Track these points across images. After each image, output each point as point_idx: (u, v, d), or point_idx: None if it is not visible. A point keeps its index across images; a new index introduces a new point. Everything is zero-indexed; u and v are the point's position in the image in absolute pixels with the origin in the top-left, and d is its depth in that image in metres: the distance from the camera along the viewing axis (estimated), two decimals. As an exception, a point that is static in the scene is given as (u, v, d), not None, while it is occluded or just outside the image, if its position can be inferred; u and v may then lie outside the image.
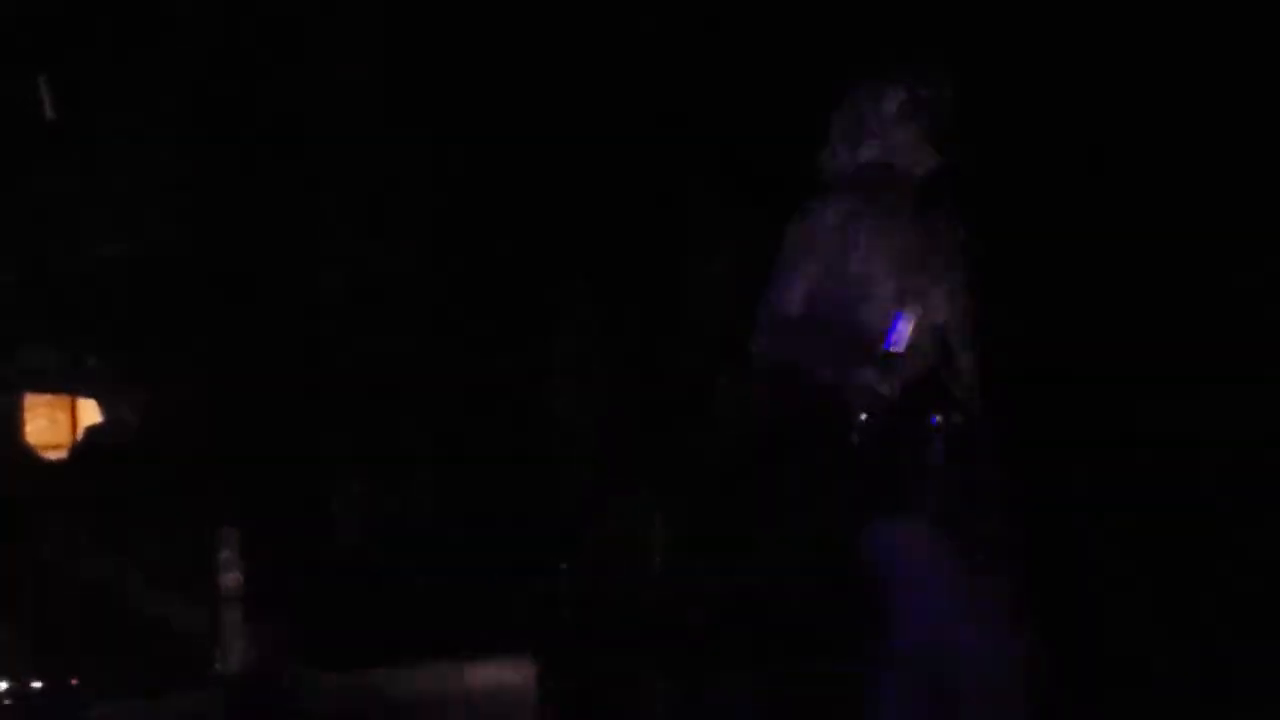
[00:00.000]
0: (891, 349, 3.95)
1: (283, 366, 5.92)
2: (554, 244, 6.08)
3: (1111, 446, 5.53)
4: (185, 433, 5.93)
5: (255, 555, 5.84)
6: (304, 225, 5.93)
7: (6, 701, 5.61)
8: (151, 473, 5.86)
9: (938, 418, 4.01)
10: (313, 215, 5.96)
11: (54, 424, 5.97)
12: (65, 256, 5.82)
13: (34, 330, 5.82)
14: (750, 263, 4.51)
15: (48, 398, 5.98)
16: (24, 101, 5.77)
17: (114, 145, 5.83)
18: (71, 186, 5.81)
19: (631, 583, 5.89)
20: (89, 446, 5.96)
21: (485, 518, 5.89)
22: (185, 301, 5.91)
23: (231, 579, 5.80)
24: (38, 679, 5.64)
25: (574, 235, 6.09)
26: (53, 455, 5.96)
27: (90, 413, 5.98)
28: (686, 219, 6.21)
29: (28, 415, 5.96)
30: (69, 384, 5.99)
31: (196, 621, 5.71)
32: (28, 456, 5.95)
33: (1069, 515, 5.46)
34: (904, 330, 3.98)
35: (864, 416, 3.94)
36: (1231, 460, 5.52)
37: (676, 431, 6.07)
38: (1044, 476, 4.94)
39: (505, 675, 5.38)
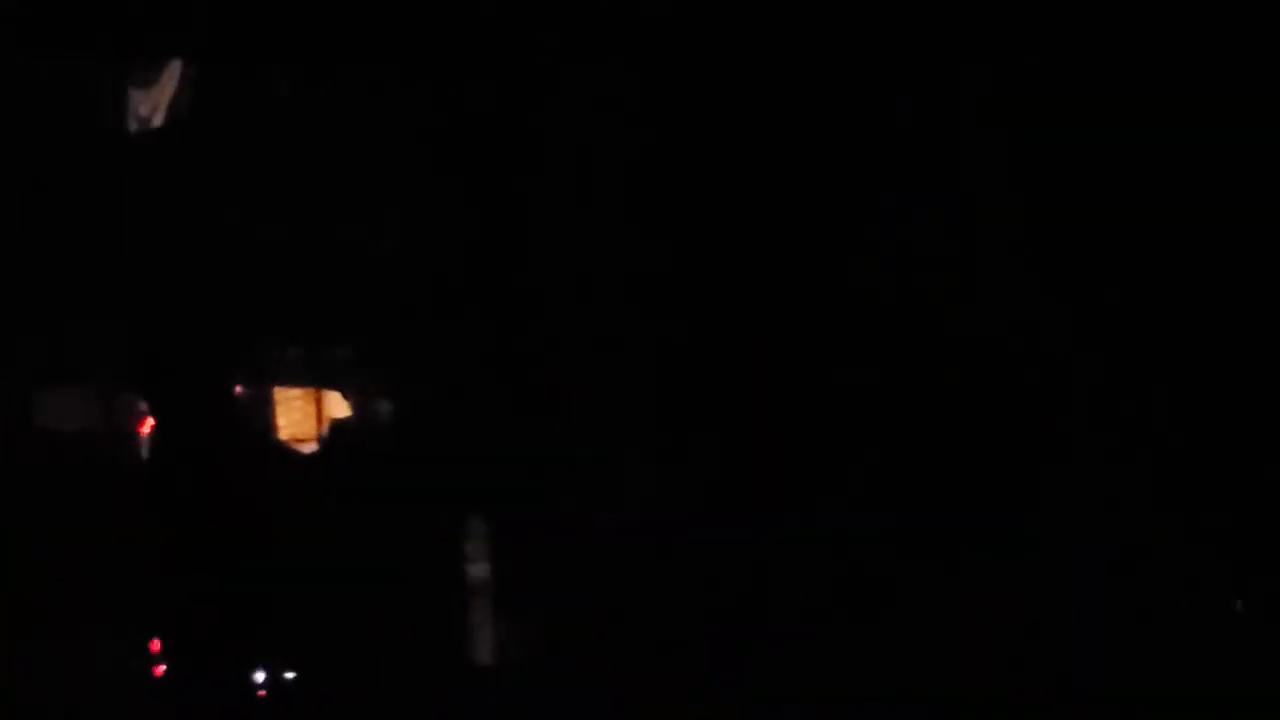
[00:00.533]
0: None
1: (530, 361, 5.90)
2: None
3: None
4: (433, 425, 5.93)
5: (505, 547, 5.86)
6: (553, 217, 5.90)
7: (263, 692, 5.68)
8: (399, 466, 5.89)
9: None
10: (562, 207, 5.93)
11: (303, 417, 6.00)
12: (314, 249, 5.84)
13: (283, 322, 5.87)
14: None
15: (296, 390, 6.02)
16: (274, 97, 5.84)
17: (367, 141, 5.85)
18: (322, 180, 5.84)
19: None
20: (337, 440, 6.00)
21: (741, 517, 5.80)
22: (434, 296, 5.91)
23: (480, 570, 5.83)
24: (292, 670, 5.70)
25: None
26: (302, 449, 6.00)
27: (337, 406, 6.02)
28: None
29: (279, 409, 6.01)
30: (316, 376, 6.03)
31: (445, 615, 5.73)
32: (280, 450, 6.00)
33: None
34: None
35: None
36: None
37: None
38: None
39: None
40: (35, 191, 5.60)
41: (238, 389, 5.92)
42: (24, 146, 5.61)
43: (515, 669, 5.75)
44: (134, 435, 5.68)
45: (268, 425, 5.99)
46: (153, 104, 5.74)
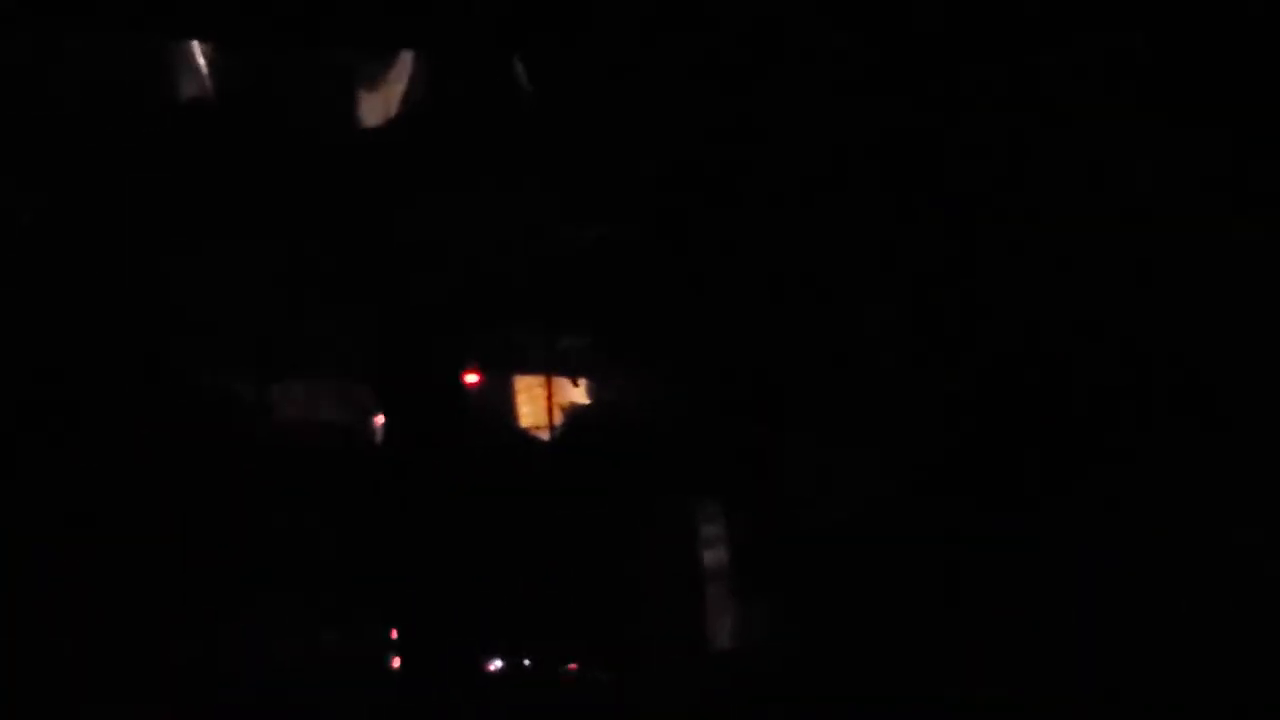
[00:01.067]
0: None
1: (760, 344, 5.86)
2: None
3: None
4: (665, 412, 5.93)
5: (740, 531, 5.84)
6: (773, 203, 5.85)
7: (499, 679, 5.74)
8: (634, 453, 5.89)
9: None
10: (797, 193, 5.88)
11: (541, 405, 6.04)
12: (545, 234, 5.87)
13: (519, 308, 5.91)
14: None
15: (535, 379, 6.06)
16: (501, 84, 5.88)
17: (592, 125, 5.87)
18: (553, 165, 5.87)
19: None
20: (573, 428, 6.02)
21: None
22: (666, 281, 5.90)
23: (715, 556, 5.81)
24: (527, 657, 5.75)
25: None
26: (540, 436, 6.04)
27: (574, 393, 6.04)
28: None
29: (523, 396, 6.05)
30: (554, 364, 6.06)
31: (676, 600, 5.73)
32: (519, 438, 6.05)
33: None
34: None
35: None
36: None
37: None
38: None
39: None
40: (271, 187, 5.71)
41: (476, 378, 5.97)
42: (259, 142, 5.72)
43: (752, 656, 5.73)
44: (369, 427, 5.77)
45: (508, 413, 6.03)
46: (383, 99, 5.81)
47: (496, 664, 5.71)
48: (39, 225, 5.55)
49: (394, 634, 5.65)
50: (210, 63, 5.71)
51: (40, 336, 5.49)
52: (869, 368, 5.86)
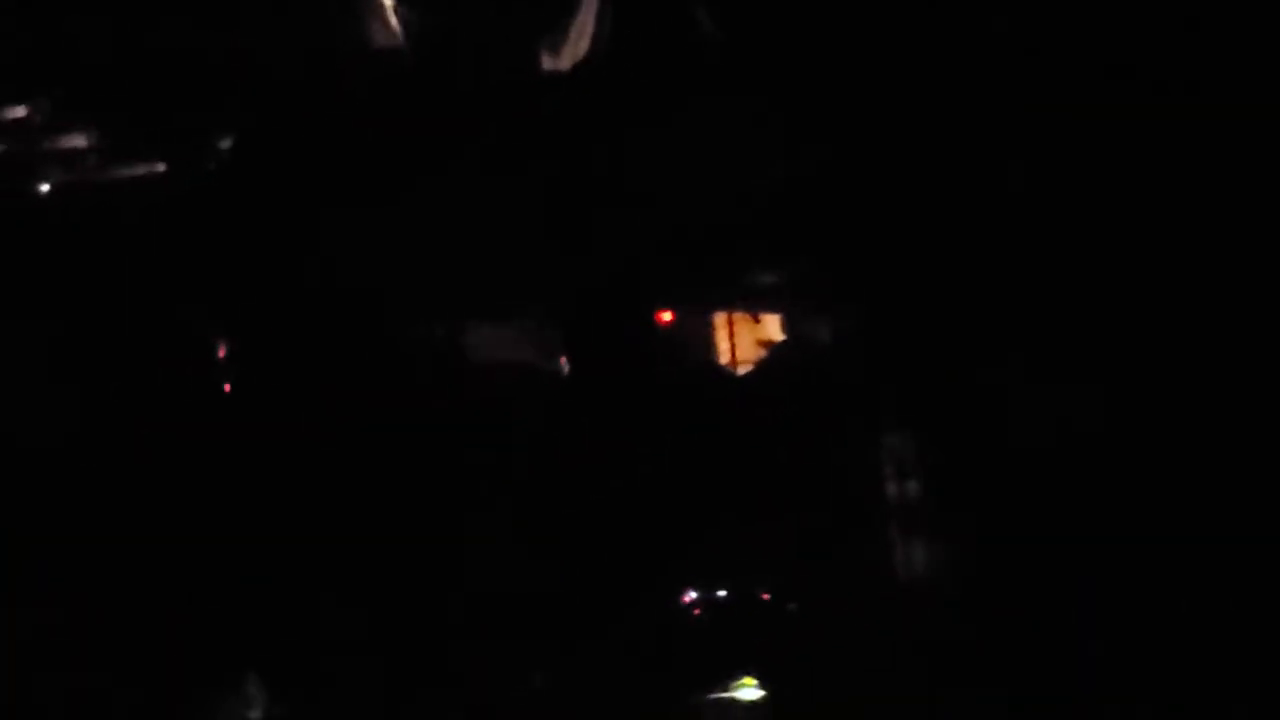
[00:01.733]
0: None
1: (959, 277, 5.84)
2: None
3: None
4: (864, 347, 5.95)
5: (931, 463, 5.83)
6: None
7: (696, 610, 5.84)
8: (830, 387, 5.92)
9: None
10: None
11: (740, 342, 6.10)
12: (743, 174, 5.92)
13: (713, 245, 5.96)
14: None
15: (735, 315, 6.12)
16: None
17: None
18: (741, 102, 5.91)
19: None
20: (776, 363, 6.07)
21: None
22: (859, 215, 5.90)
23: (907, 489, 5.82)
24: (722, 589, 5.84)
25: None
26: (739, 372, 6.10)
27: (774, 329, 6.08)
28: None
29: (717, 333, 6.12)
30: (757, 300, 6.11)
31: (867, 531, 5.76)
32: (721, 374, 6.11)
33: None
34: None
35: None
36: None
37: None
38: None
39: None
40: (464, 130, 5.84)
41: (673, 317, 6.05)
42: (452, 84, 5.85)
43: (940, 588, 5.73)
44: (558, 368, 5.88)
45: (704, 349, 6.10)
46: (576, 36, 5.90)
47: (691, 595, 5.80)
48: (235, 169, 5.76)
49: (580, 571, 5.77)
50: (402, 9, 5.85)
51: (240, 279, 5.73)
52: (1074, 298, 5.80)
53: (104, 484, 5.64)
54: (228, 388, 5.75)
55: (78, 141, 5.81)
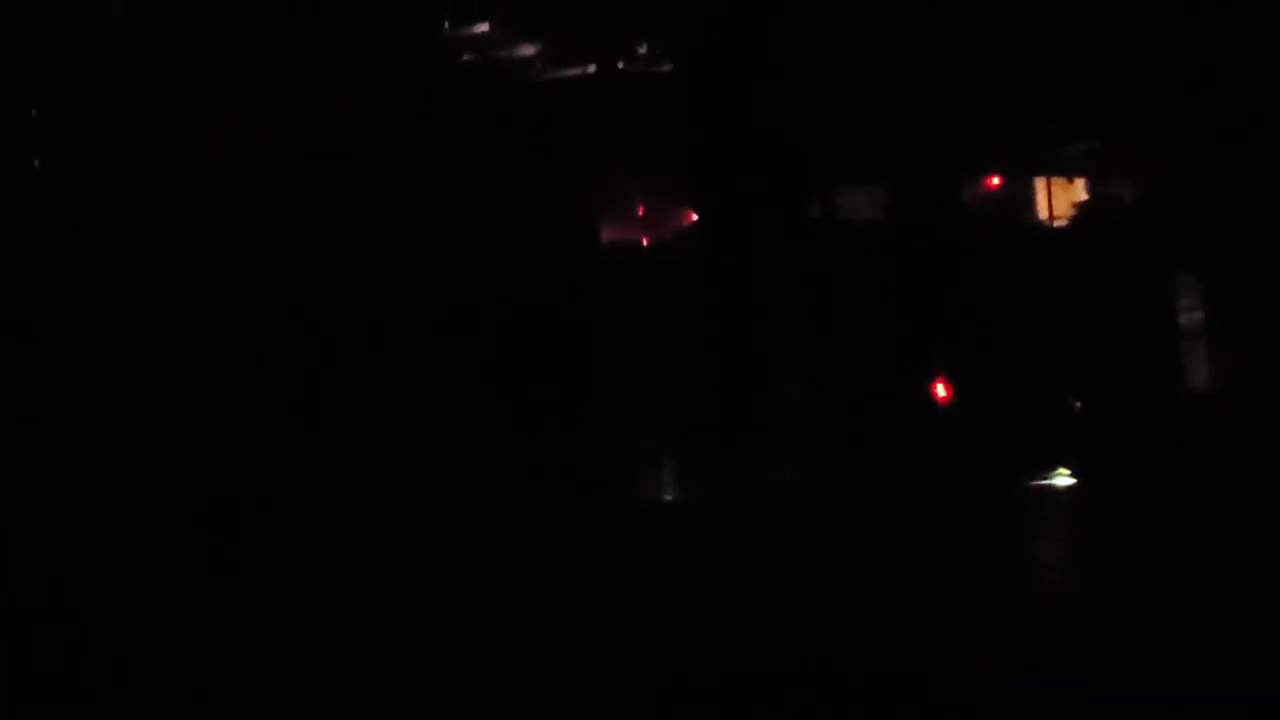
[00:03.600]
0: None
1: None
2: None
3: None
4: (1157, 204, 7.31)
5: (1213, 300, 7.21)
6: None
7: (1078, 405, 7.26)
8: (1127, 238, 7.31)
9: None
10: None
11: (1058, 201, 7.49)
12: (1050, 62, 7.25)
13: (1031, 122, 7.33)
14: None
15: (1054, 180, 7.53)
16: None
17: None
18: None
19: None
20: (1082, 218, 7.47)
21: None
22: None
23: (1192, 319, 7.19)
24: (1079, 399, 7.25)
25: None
26: (1057, 225, 7.51)
27: (1080, 191, 7.47)
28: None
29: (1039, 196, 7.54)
30: (1070, 165, 7.49)
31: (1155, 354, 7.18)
32: (1037, 228, 7.52)
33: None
34: None
35: None
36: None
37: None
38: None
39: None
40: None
41: (999, 180, 7.47)
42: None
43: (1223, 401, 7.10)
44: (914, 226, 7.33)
45: (1027, 208, 7.52)
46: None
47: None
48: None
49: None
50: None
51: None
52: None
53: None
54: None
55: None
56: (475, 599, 6.03)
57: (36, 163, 7.15)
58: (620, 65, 7.16)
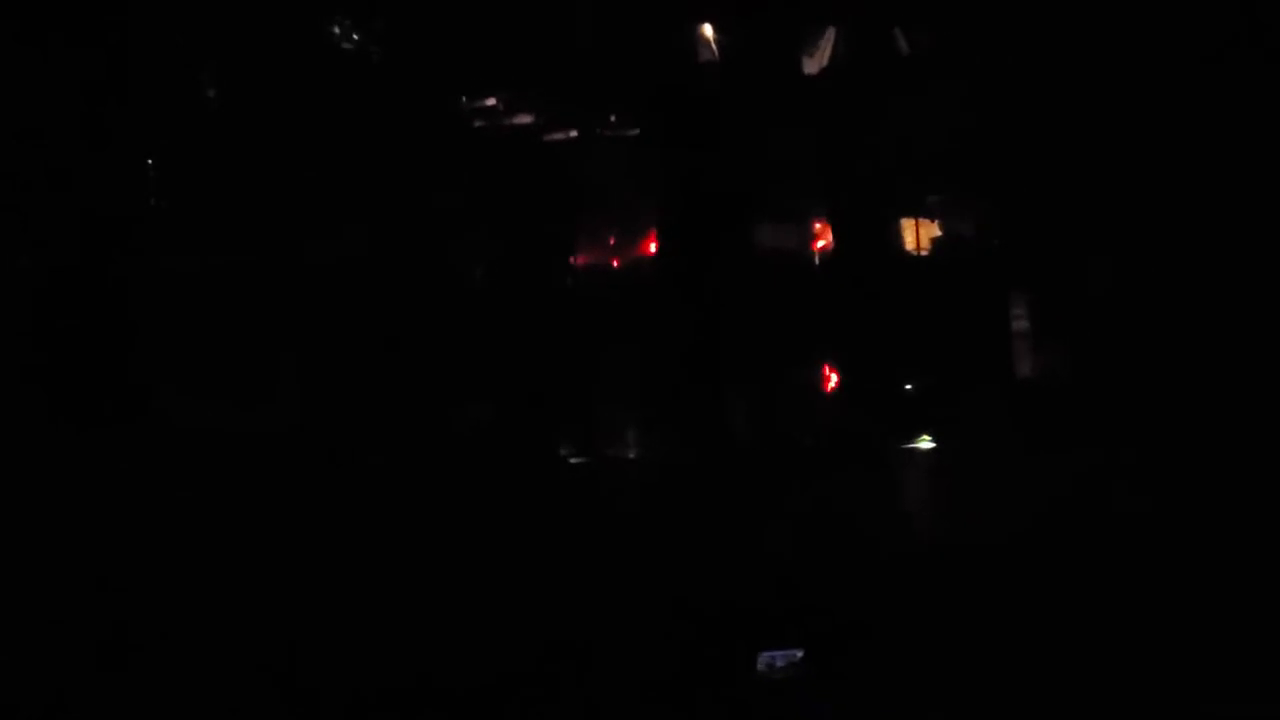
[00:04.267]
0: None
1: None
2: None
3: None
4: (997, 238, 9.77)
5: (1035, 319, 9.72)
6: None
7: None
8: (972, 263, 9.78)
9: None
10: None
11: (915, 236, 9.95)
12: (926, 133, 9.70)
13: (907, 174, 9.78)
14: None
15: (919, 219, 9.99)
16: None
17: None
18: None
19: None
20: (939, 250, 9.94)
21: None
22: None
23: (1020, 326, 9.70)
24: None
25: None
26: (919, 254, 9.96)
27: (933, 229, 9.95)
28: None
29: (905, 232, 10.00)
30: (929, 210, 9.95)
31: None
32: (909, 257, 9.96)
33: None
34: None
35: None
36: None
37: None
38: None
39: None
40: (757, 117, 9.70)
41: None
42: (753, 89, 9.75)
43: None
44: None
45: (902, 241, 9.99)
46: (815, 58, 9.79)
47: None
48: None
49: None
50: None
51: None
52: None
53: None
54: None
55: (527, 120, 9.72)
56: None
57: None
58: (599, 130, 9.57)
